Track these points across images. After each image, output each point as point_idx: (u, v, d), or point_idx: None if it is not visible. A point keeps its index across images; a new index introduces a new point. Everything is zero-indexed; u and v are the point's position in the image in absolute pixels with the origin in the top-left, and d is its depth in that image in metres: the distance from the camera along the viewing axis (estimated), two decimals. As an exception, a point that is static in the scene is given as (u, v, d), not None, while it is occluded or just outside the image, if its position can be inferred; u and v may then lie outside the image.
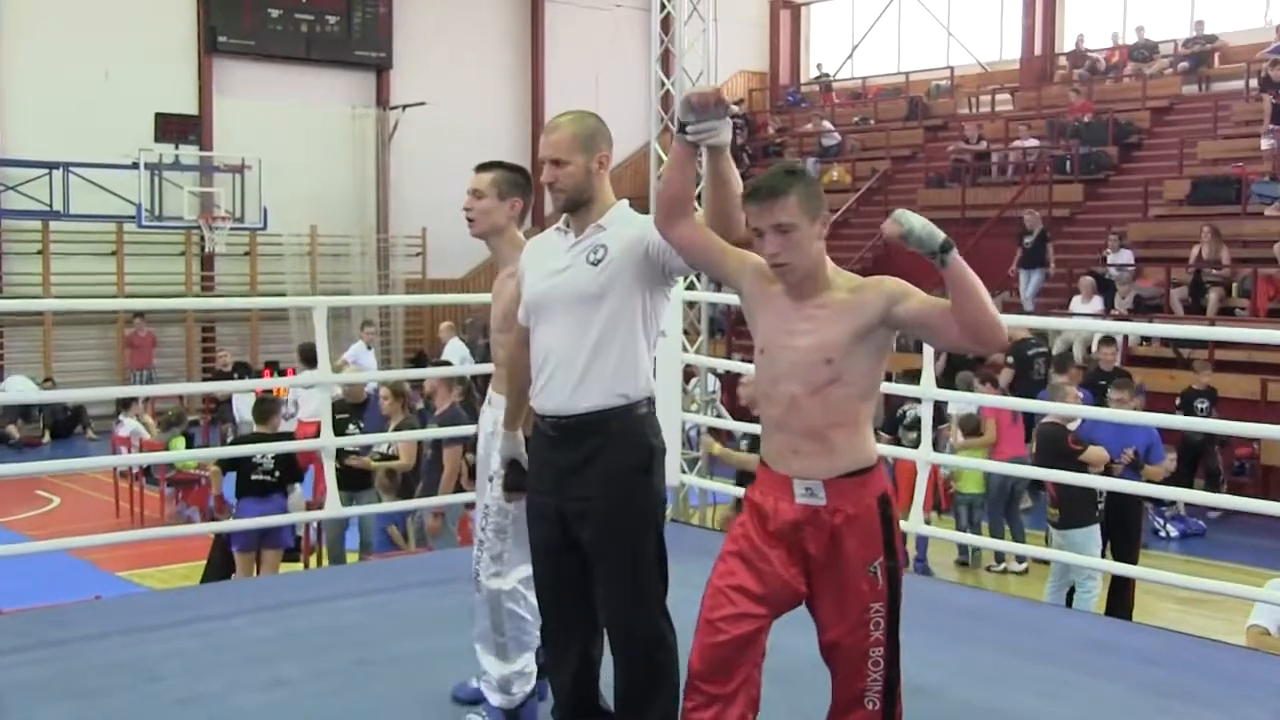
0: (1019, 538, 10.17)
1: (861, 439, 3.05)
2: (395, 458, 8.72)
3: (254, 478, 8.38)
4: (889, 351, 3.08)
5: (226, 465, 9.14)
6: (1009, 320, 11.59)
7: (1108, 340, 11.92)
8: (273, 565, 8.34)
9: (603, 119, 3.46)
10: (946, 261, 2.86)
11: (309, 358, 12.88)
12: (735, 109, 3.74)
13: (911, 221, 2.88)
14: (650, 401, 3.39)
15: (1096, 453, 7.63)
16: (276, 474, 8.39)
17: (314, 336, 6.10)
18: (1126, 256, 16.04)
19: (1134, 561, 7.76)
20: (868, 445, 3.07)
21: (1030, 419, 9.85)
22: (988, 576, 10.26)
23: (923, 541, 10.00)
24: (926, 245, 2.87)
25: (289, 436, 9.53)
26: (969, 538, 9.84)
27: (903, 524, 4.20)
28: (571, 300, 3.36)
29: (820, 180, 3.10)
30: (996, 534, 10.09)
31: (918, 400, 9.00)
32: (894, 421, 10.84)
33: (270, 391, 9.87)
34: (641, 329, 3.35)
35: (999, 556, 10.24)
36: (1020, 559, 10.22)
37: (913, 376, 10.70)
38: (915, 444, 10.22)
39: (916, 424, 10.31)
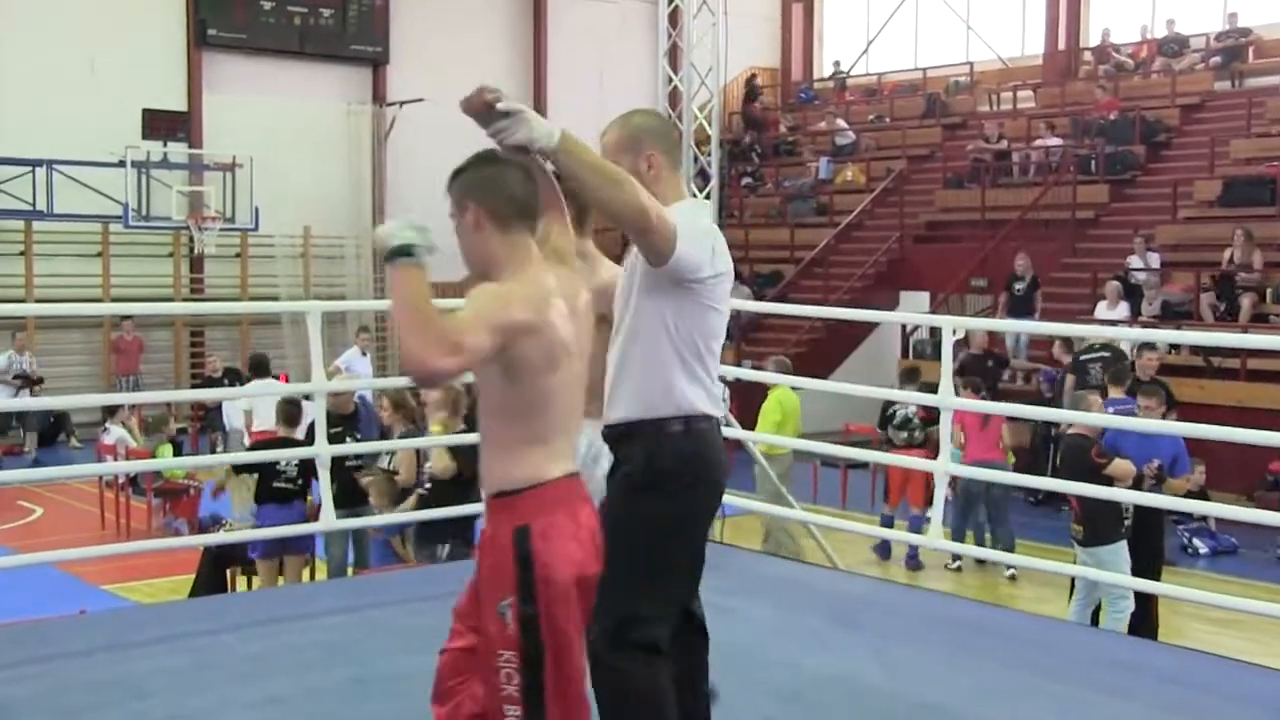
0: (1009, 546, 10.47)
1: (503, 461, 2.94)
2: (395, 473, 8.72)
3: (276, 485, 8.43)
4: (525, 370, 2.87)
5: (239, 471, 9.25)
6: (1062, 329, 11.80)
7: (1149, 346, 11.95)
8: (295, 573, 8.37)
9: (663, 116, 3.47)
10: (392, 271, 2.75)
11: (258, 367, 13.01)
12: (511, 105, 3.53)
13: (377, 230, 2.79)
14: (687, 420, 3.35)
15: (1123, 466, 7.61)
16: (299, 481, 8.42)
17: (307, 342, 6.13)
18: (1153, 260, 16.05)
19: (1156, 578, 7.77)
20: (513, 468, 2.92)
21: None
22: (1000, 590, 10.30)
23: (914, 530, 10.52)
24: (380, 253, 2.77)
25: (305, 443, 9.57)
26: (967, 548, 9.98)
27: (917, 537, 4.22)
28: (618, 309, 3.50)
29: (498, 169, 2.95)
30: (956, 536, 10.29)
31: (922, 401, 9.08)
32: (884, 420, 11.40)
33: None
34: (667, 340, 3.35)
35: (957, 556, 10.76)
36: (956, 556, 10.74)
37: (908, 375, 11.39)
38: (906, 443, 11.13)
39: (906, 423, 11.15)
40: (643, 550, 3.35)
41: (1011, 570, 10.63)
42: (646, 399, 3.37)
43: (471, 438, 8.42)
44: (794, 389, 10.48)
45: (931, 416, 10.68)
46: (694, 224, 3.34)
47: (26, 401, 15.79)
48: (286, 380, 14.55)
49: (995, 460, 10.35)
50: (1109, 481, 7.40)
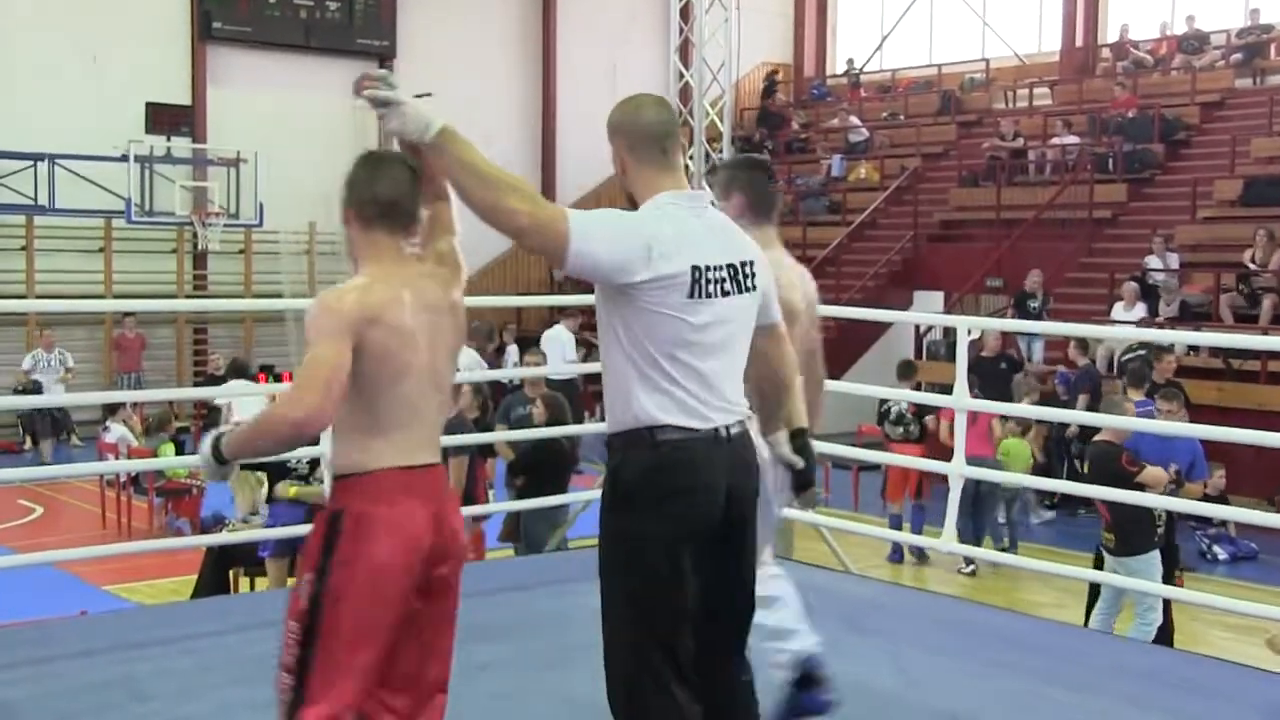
0: (977, 540, 10.77)
1: (341, 447, 3.13)
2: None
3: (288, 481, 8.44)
4: (361, 360, 3.02)
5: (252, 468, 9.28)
6: (1078, 330, 11.98)
7: (1164, 349, 11.90)
8: None
9: (643, 106, 3.35)
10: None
11: (238, 371, 13.01)
12: (385, 95, 3.62)
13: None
14: (651, 430, 3.19)
15: (1155, 474, 7.55)
16: (309, 479, 8.41)
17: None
18: (1172, 261, 15.99)
19: (1170, 582, 7.74)
20: (347, 454, 3.11)
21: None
22: (1015, 594, 10.28)
23: (918, 523, 10.90)
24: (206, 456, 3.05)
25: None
26: (980, 551, 10.04)
27: (930, 541, 4.21)
28: None
29: (378, 172, 3.20)
30: (964, 539, 10.32)
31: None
32: (881, 416, 11.75)
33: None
34: (619, 349, 3.21)
35: (970, 560, 10.85)
36: (969, 561, 10.85)
37: (904, 371, 11.70)
38: (903, 438, 11.44)
39: (900, 419, 11.49)
40: (621, 579, 3.24)
41: (972, 566, 10.88)
42: (612, 412, 3.28)
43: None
44: None
45: (922, 411, 11.22)
46: (629, 224, 3.18)
47: (23, 401, 15.70)
48: (290, 379, 14.54)
49: (983, 456, 10.39)
50: (1140, 489, 7.33)
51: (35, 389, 16.68)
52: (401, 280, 3.11)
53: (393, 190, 3.18)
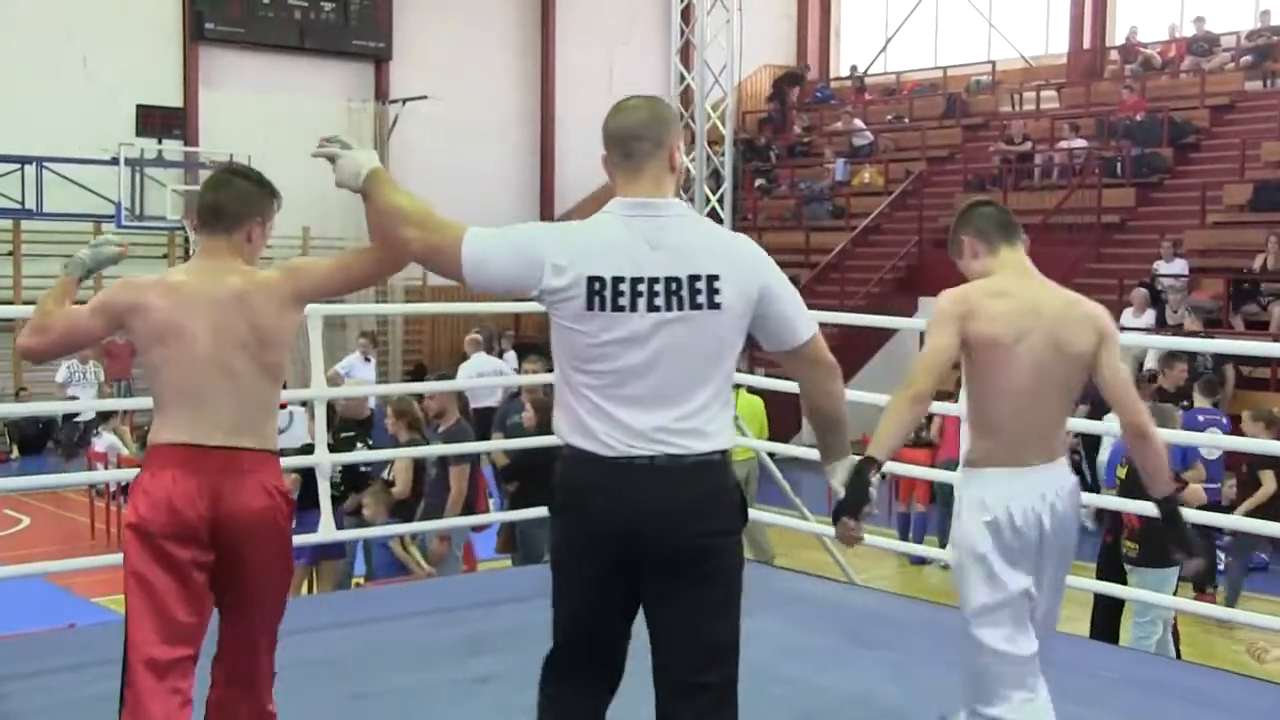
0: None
1: (154, 423, 3.56)
2: (392, 483, 8.70)
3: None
4: (139, 344, 3.58)
5: None
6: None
7: (1175, 357, 11.89)
8: (330, 579, 8.34)
9: (628, 109, 3.34)
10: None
11: None
12: (323, 151, 3.78)
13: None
14: (568, 446, 3.15)
15: (1195, 493, 7.55)
16: (341, 487, 8.35)
17: (307, 347, 6.13)
18: (1180, 266, 16.01)
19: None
20: (152, 430, 3.55)
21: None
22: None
23: (920, 528, 11.06)
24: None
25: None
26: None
27: (933, 550, 4.22)
28: None
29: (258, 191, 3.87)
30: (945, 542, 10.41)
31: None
32: None
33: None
34: (557, 363, 3.20)
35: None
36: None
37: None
38: (911, 444, 11.12)
39: None
40: (552, 590, 3.37)
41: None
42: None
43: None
44: (757, 392, 10.44)
45: (931, 417, 11.13)
46: (527, 238, 3.16)
47: (15, 408, 15.75)
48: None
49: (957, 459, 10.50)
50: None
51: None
52: (200, 274, 3.55)
53: (215, 198, 3.65)
